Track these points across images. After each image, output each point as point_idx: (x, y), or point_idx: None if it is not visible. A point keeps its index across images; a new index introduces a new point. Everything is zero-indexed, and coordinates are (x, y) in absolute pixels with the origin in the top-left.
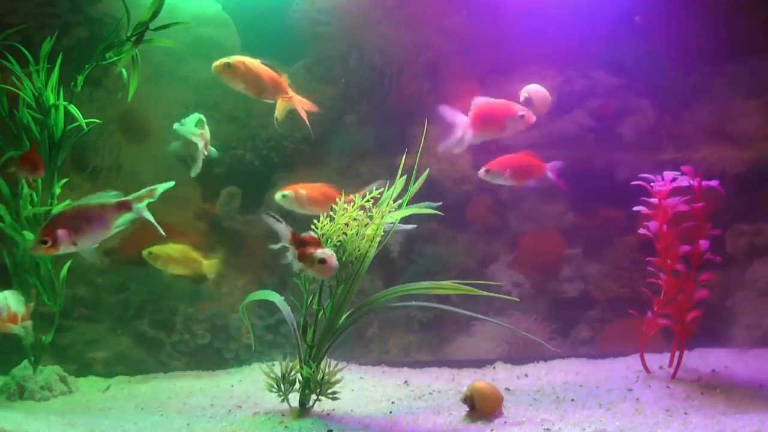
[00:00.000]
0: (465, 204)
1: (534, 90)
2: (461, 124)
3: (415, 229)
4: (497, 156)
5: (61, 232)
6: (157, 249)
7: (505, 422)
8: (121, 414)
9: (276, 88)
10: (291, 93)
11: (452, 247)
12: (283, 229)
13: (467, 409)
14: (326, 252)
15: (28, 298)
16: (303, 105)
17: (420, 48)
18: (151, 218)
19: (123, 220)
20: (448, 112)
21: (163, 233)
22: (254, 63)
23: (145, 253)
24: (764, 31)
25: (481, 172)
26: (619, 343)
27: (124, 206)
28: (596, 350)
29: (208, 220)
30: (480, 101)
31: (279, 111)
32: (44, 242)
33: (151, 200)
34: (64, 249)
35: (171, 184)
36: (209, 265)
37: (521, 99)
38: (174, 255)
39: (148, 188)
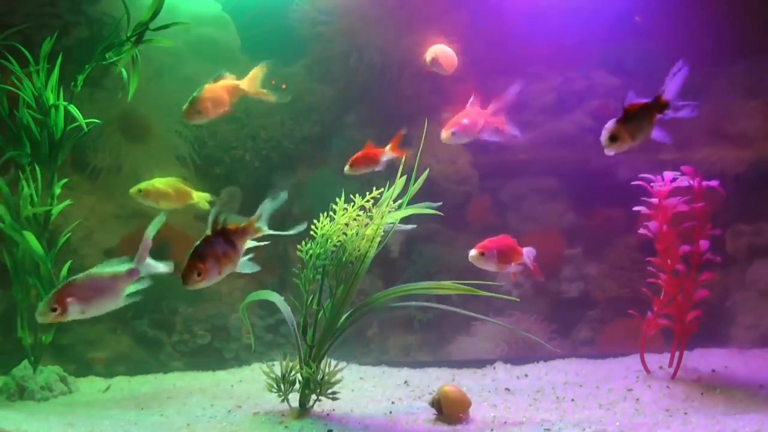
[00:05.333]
0: (465, 204)
1: (440, 50)
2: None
3: (415, 229)
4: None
5: (70, 300)
6: (144, 185)
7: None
8: (121, 414)
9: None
10: None
11: (452, 247)
12: None
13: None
14: None
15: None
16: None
17: (420, 48)
18: (162, 269)
19: (134, 286)
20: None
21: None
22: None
23: (133, 190)
24: (764, 31)
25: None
26: (619, 343)
27: (134, 273)
28: (596, 350)
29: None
30: None
31: None
32: (54, 309)
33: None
34: (72, 317)
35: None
36: (201, 197)
37: (427, 60)
38: (164, 189)
39: (142, 245)
